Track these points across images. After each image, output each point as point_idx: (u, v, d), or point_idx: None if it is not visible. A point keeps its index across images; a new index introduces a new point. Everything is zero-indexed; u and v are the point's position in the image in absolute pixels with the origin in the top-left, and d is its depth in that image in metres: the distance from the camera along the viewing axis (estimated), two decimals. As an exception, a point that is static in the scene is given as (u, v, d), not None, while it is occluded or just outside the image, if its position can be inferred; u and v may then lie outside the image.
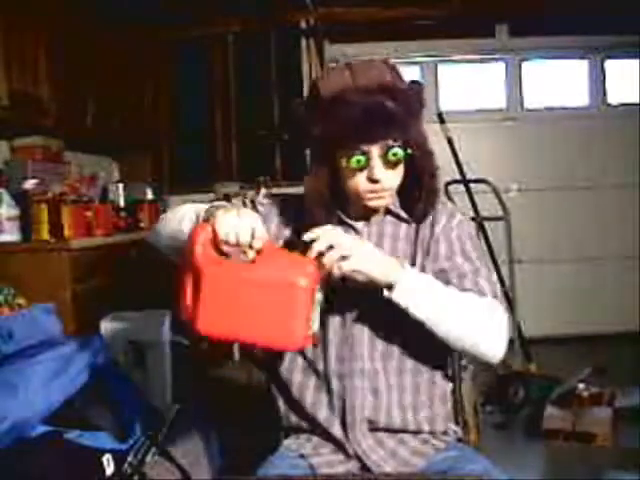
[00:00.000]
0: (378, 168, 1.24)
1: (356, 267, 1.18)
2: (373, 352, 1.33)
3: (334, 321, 1.33)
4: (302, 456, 1.35)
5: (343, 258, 1.17)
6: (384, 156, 1.24)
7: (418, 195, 1.32)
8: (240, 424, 2.13)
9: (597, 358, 3.51)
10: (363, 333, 1.33)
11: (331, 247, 1.17)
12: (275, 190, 4.23)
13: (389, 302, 1.24)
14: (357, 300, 1.32)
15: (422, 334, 1.31)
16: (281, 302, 1.09)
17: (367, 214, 1.36)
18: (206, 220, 1.17)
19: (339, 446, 1.34)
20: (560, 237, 4.66)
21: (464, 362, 1.40)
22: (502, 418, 3.07)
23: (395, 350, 1.34)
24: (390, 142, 1.23)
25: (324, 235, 1.18)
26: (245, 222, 1.13)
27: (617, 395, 3.00)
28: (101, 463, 1.75)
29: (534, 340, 3.74)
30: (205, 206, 1.25)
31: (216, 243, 1.13)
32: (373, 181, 1.25)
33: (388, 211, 1.37)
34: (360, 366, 1.32)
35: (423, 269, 1.33)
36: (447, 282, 1.30)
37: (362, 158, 1.24)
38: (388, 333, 1.33)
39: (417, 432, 1.36)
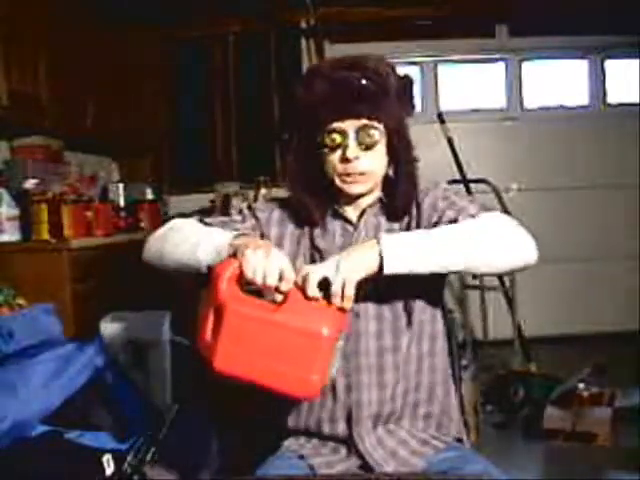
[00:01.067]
0: (352, 148, 1.25)
1: (352, 284, 1.12)
2: (378, 348, 1.33)
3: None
4: (302, 457, 1.35)
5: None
6: (358, 136, 1.25)
7: (396, 186, 1.32)
8: (240, 424, 2.13)
9: (597, 358, 3.51)
10: (367, 329, 1.33)
11: (327, 283, 1.11)
12: (275, 190, 4.24)
13: (393, 297, 1.27)
14: (361, 296, 1.32)
15: (428, 330, 1.33)
16: (302, 349, 1.07)
17: (360, 205, 1.35)
18: (232, 255, 1.15)
19: (341, 442, 1.34)
20: (560, 237, 4.65)
21: (464, 362, 1.40)
22: (502, 418, 3.07)
23: (399, 346, 1.33)
24: (365, 121, 1.25)
25: (313, 276, 1.11)
26: (274, 264, 1.11)
27: (617, 395, 3.00)
28: (101, 463, 1.75)
29: (534, 340, 3.74)
30: (210, 231, 1.25)
31: (241, 281, 1.11)
32: (346, 160, 1.25)
33: (382, 203, 1.36)
34: (365, 362, 1.32)
35: None
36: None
37: (337, 136, 1.25)
38: (392, 329, 1.33)
39: (418, 430, 1.36)
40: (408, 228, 1.34)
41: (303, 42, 4.61)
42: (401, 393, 1.34)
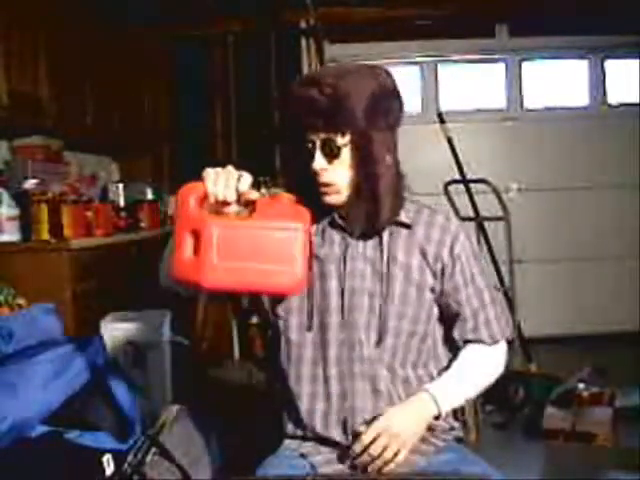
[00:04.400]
0: (317, 159, 1.28)
1: (407, 447, 1.28)
2: (373, 354, 1.33)
3: (333, 322, 1.33)
4: (302, 455, 1.35)
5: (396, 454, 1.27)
6: (323, 147, 1.28)
7: (356, 201, 1.30)
8: (240, 424, 2.13)
9: (597, 358, 3.51)
10: (362, 335, 1.32)
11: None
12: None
13: (389, 302, 1.30)
14: (357, 302, 1.32)
15: (423, 336, 1.33)
16: (282, 246, 1.12)
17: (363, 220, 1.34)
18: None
19: (339, 447, 1.34)
20: (560, 237, 4.66)
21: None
22: (502, 418, 3.07)
23: (396, 352, 1.33)
24: (325, 134, 1.27)
25: None
26: (230, 169, 1.16)
27: (617, 395, 3.00)
28: (101, 463, 1.75)
29: (534, 340, 3.74)
30: None
31: (206, 201, 1.15)
32: (315, 172, 1.29)
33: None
34: (360, 368, 1.33)
35: (422, 275, 1.34)
36: (449, 304, 1.37)
37: (310, 147, 1.29)
38: (388, 335, 1.33)
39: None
40: (413, 251, 1.35)
41: (303, 42, 4.61)
42: (397, 398, 1.34)
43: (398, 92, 1.33)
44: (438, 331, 1.41)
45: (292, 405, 1.39)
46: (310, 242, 1.17)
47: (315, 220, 1.34)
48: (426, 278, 1.35)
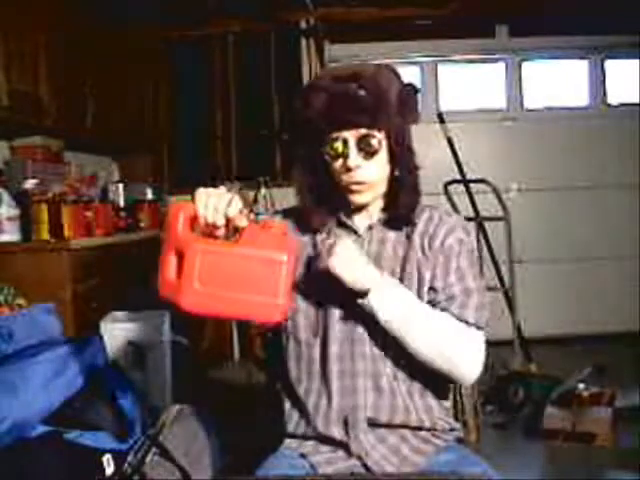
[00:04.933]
0: (353, 156, 1.27)
1: (333, 270, 1.23)
2: (374, 351, 1.33)
3: (334, 320, 1.34)
4: (302, 455, 1.35)
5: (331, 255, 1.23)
6: (359, 144, 1.27)
7: (397, 194, 1.33)
8: (240, 424, 2.13)
9: (597, 358, 3.51)
10: (364, 332, 1.33)
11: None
12: (275, 190, 4.24)
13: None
14: (355, 303, 1.32)
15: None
16: (265, 276, 1.11)
17: (365, 215, 1.37)
18: None
19: (340, 445, 1.34)
20: (560, 237, 4.66)
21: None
22: (502, 418, 3.07)
23: (396, 349, 1.33)
24: (364, 131, 1.27)
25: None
26: (221, 192, 1.15)
27: (617, 395, 3.00)
28: (101, 463, 1.75)
29: (534, 340, 3.74)
30: None
31: (197, 222, 1.14)
32: (348, 169, 1.28)
33: (389, 214, 1.36)
34: (361, 365, 1.32)
35: (420, 275, 1.34)
36: (435, 301, 1.32)
37: (339, 145, 1.27)
38: (385, 334, 1.32)
39: (418, 428, 1.35)
40: (408, 238, 1.35)
41: (303, 42, 4.61)
42: (399, 394, 1.33)
43: (416, 89, 1.35)
44: None
45: (293, 404, 1.39)
46: (294, 272, 1.16)
47: (324, 222, 1.36)
48: (424, 274, 1.34)
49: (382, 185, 1.33)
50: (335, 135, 1.27)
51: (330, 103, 1.26)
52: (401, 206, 1.33)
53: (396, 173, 1.32)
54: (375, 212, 1.37)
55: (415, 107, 1.32)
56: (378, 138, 1.28)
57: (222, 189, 1.16)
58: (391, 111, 1.27)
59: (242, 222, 1.14)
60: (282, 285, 1.11)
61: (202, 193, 1.14)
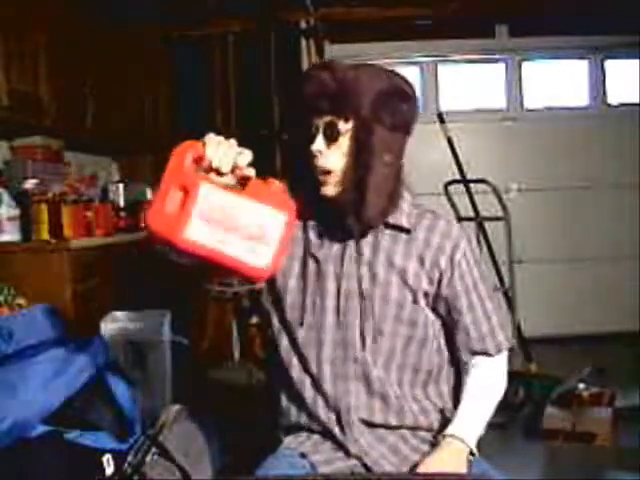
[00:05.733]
0: (317, 142, 1.28)
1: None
2: (367, 354, 1.32)
3: (328, 322, 1.33)
4: (302, 454, 1.35)
5: None
6: (325, 131, 1.29)
7: (362, 193, 1.27)
8: (240, 424, 2.13)
9: (597, 358, 3.51)
10: (357, 335, 1.32)
11: None
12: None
13: (384, 306, 1.31)
14: (352, 304, 1.32)
15: (421, 340, 1.34)
16: (263, 228, 1.11)
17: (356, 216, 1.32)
18: None
19: (339, 445, 1.34)
20: (560, 237, 4.66)
21: (465, 359, 1.41)
22: (502, 418, 3.07)
23: (392, 352, 1.33)
24: (329, 117, 1.28)
25: None
26: (233, 142, 1.14)
27: (617, 395, 3.00)
28: (101, 463, 1.75)
29: (534, 340, 3.74)
30: None
31: (201, 164, 1.13)
32: (314, 156, 1.28)
33: (386, 221, 1.34)
34: (354, 368, 1.33)
35: (418, 279, 1.33)
36: (449, 312, 1.37)
37: (312, 131, 1.29)
38: (384, 335, 1.33)
39: (414, 428, 1.36)
40: (411, 255, 1.33)
41: (303, 42, 4.61)
42: (394, 397, 1.34)
43: (411, 98, 1.32)
44: (442, 338, 1.40)
45: (290, 404, 1.39)
46: (289, 237, 1.15)
47: (312, 216, 1.35)
48: (421, 284, 1.33)
49: (344, 175, 1.29)
50: (312, 121, 1.30)
51: (304, 89, 1.30)
52: (369, 206, 1.28)
53: (355, 168, 1.28)
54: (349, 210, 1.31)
55: (398, 113, 1.29)
56: (341, 127, 1.28)
57: (232, 140, 1.15)
58: (359, 104, 1.26)
59: (250, 172, 1.13)
60: (277, 242, 1.11)
61: (213, 137, 1.14)
